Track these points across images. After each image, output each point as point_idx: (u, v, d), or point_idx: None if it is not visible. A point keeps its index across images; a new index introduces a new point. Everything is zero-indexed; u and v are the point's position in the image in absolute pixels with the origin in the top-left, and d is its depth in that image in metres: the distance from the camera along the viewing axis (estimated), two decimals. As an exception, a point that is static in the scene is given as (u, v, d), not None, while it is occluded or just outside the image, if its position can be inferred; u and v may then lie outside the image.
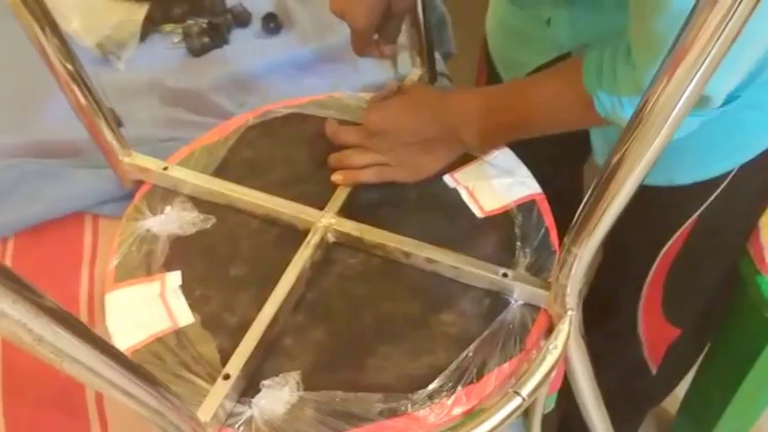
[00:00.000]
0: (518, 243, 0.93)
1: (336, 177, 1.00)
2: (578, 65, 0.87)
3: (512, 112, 0.96)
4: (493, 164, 1.03)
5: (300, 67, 1.30)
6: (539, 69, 1.06)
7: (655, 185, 1.04)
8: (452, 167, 1.03)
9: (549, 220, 0.96)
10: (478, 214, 0.97)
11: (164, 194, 1.00)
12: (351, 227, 0.93)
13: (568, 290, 0.80)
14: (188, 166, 1.02)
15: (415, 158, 1.01)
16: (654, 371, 1.35)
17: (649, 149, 0.63)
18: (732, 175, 1.02)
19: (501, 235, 0.95)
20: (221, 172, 1.03)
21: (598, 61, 0.84)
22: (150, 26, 1.38)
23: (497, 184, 1.00)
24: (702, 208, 1.07)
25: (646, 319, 1.26)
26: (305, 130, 1.09)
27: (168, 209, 0.98)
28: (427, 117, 0.99)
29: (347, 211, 0.96)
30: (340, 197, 0.97)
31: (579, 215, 0.72)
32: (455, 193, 1.00)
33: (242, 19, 1.39)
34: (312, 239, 0.91)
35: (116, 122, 0.99)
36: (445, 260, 0.89)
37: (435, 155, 1.01)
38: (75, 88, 0.92)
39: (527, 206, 0.98)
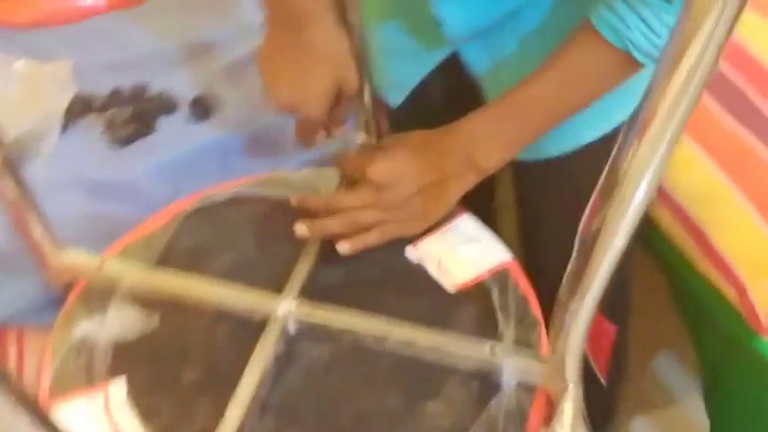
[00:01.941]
0: (498, 317, 0.86)
1: (343, 247, 0.92)
2: (585, 34, 0.88)
3: (537, 109, 0.93)
4: (455, 231, 0.96)
5: (235, 150, 1.21)
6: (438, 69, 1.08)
7: (561, 154, 1.06)
8: (413, 239, 0.95)
9: (525, 288, 0.89)
10: (451, 289, 0.89)
11: (100, 294, 0.89)
12: (314, 312, 0.84)
13: (567, 360, 0.72)
14: (125, 261, 0.92)
15: (425, 206, 0.93)
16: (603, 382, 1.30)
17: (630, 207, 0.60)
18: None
19: (479, 309, 0.87)
20: (163, 264, 0.93)
21: (613, 19, 0.84)
22: (71, 118, 1.28)
23: (465, 253, 0.93)
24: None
25: None
26: (249, 211, 1.01)
27: (106, 311, 0.88)
28: (437, 155, 0.92)
29: (307, 295, 0.87)
30: (297, 279, 0.88)
31: (569, 274, 0.66)
32: (421, 266, 0.92)
33: (168, 105, 1.30)
34: (272, 331, 0.82)
35: (45, 221, 0.89)
36: (424, 341, 0.81)
37: (446, 196, 0.94)
38: (4, 180, 0.82)
39: (501, 275, 0.90)
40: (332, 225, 0.92)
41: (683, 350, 1.47)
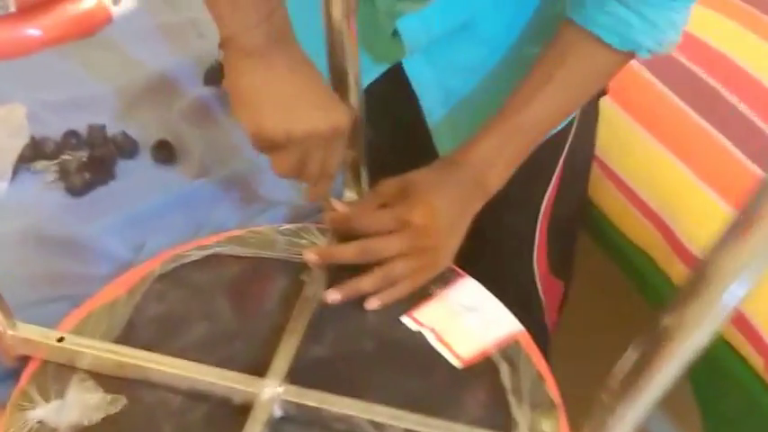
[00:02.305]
0: (510, 398, 0.76)
1: (374, 304, 0.85)
2: (577, 41, 0.88)
3: (541, 127, 0.92)
4: (456, 297, 0.87)
5: (204, 199, 1.11)
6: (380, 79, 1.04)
7: None
8: (411, 306, 0.85)
9: (539, 363, 0.80)
10: (456, 364, 0.80)
11: (57, 372, 0.78)
12: (304, 396, 0.74)
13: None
14: (85, 333, 0.81)
15: (447, 243, 0.88)
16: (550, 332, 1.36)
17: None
18: None
19: (488, 390, 0.78)
20: (128, 337, 0.82)
21: (612, 22, 0.85)
22: (21, 164, 1.15)
23: (469, 323, 0.83)
24: (569, 141, 1.11)
25: (542, 280, 1.25)
26: (225, 274, 0.90)
27: (65, 391, 0.77)
28: (456, 188, 0.89)
29: (295, 377, 0.76)
30: (283, 357, 0.77)
31: (621, 371, 0.57)
32: (420, 338, 0.82)
33: (127, 149, 1.18)
34: (256, 417, 0.72)
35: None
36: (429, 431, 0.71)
37: (460, 230, 0.89)
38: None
39: (511, 349, 0.81)
40: (366, 284, 0.85)
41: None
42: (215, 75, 1.30)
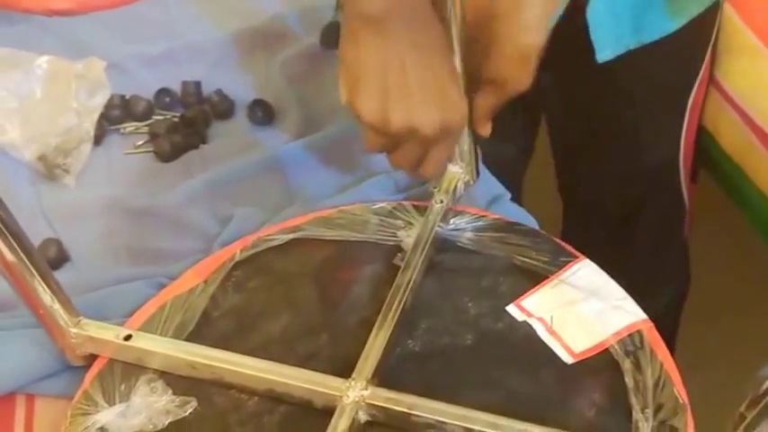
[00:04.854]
0: (633, 399, 0.65)
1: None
2: None
3: None
4: (570, 282, 0.75)
5: (299, 165, 1.01)
6: None
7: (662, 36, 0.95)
8: (517, 294, 0.75)
9: (665, 358, 0.68)
10: (567, 359, 0.69)
11: (124, 372, 0.72)
12: (392, 399, 0.65)
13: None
14: (156, 329, 0.74)
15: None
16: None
17: None
18: None
19: (606, 389, 0.66)
20: (202, 333, 0.75)
21: None
22: (107, 126, 1.08)
23: (585, 311, 0.72)
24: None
25: (687, 185, 1.20)
26: (310, 260, 0.82)
27: (131, 393, 0.70)
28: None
29: (383, 376, 0.67)
30: (371, 355, 0.68)
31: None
32: (527, 329, 0.72)
33: (222, 110, 1.09)
34: (339, 424, 0.63)
35: (57, 285, 0.71)
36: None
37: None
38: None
39: (633, 341, 0.69)
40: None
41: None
42: (332, 35, 1.14)
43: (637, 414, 0.64)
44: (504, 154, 0.95)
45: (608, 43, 0.92)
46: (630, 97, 1.03)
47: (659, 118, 1.07)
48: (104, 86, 1.09)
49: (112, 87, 1.10)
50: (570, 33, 0.91)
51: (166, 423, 0.67)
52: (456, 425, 0.62)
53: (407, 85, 0.71)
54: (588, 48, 0.94)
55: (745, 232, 1.26)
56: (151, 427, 0.67)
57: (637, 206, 1.17)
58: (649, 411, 0.64)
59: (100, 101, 1.08)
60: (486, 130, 0.81)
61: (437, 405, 0.64)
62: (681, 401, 0.65)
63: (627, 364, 0.67)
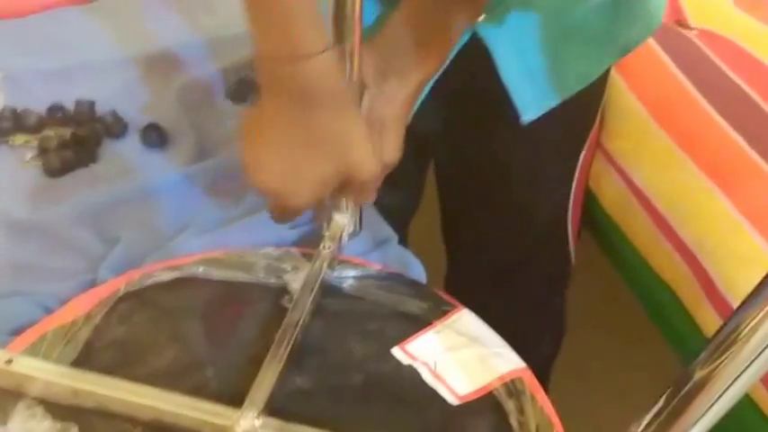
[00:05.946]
0: (518, 439, 0.67)
1: None
2: None
3: None
4: (452, 329, 0.78)
5: (191, 192, 1.00)
6: None
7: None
8: (403, 336, 0.77)
9: (545, 404, 0.71)
10: (453, 401, 0.71)
11: (1, 398, 0.68)
12: (285, 430, 0.65)
13: None
14: (38, 356, 0.71)
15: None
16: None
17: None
18: None
19: (490, 429, 0.68)
20: (84, 362, 0.72)
21: None
22: None
23: (467, 356, 0.75)
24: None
25: (574, 243, 1.23)
26: (197, 298, 0.81)
27: (8, 419, 0.66)
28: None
29: (273, 410, 0.67)
30: (262, 388, 0.68)
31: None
32: (412, 372, 0.73)
33: (115, 130, 1.08)
34: (229, 455, 0.62)
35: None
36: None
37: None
38: None
39: (515, 385, 0.72)
40: None
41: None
42: (241, 90, 1.18)
43: (521, 453, 0.66)
44: (392, 201, 0.95)
45: (531, 104, 0.91)
46: (524, 156, 1.05)
47: (550, 177, 1.11)
48: (-3, 96, 1.07)
49: (4, 99, 1.08)
50: (471, 94, 0.96)
51: (45, 451, 0.65)
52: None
53: (286, 145, 0.74)
54: (487, 107, 0.95)
55: (615, 288, 1.33)
56: (29, 454, 0.64)
57: (522, 263, 1.20)
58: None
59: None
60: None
61: (330, 436, 0.64)
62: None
63: (510, 406, 0.70)
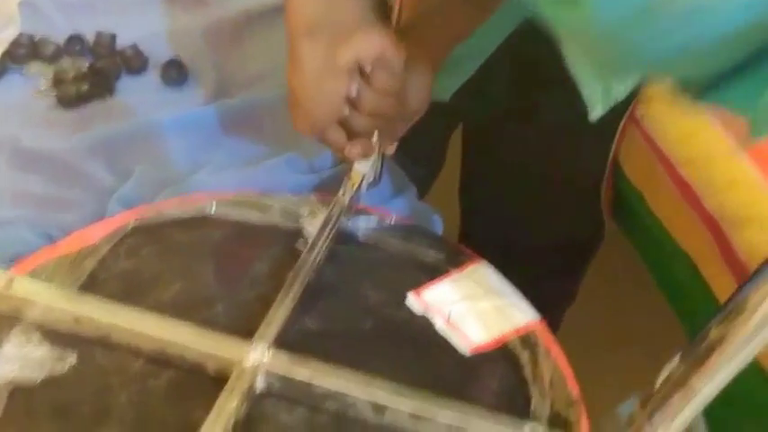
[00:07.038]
0: (531, 389, 0.64)
1: None
2: None
3: None
4: (469, 280, 0.75)
5: (208, 130, 0.97)
6: None
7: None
8: (417, 285, 0.74)
9: (558, 357, 0.68)
10: (464, 350, 0.68)
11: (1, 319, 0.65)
12: (295, 365, 0.62)
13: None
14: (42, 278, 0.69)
15: None
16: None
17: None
18: None
19: (503, 378, 0.65)
20: (88, 291, 0.69)
21: None
22: (9, 63, 1.02)
23: (483, 307, 0.71)
24: None
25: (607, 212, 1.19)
26: (209, 236, 0.78)
27: (3, 341, 0.63)
28: None
29: (284, 345, 0.64)
30: (274, 322, 0.65)
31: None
32: (426, 320, 0.70)
33: (134, 64, 1.05)
34: (236, 387, 0.59)
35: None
36: (441, 416, 0.59)
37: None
38: None
39: (528, 338, 0.69)
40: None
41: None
42: None
43: (534, 403, 0.63)
44: (411, 174, 0.93)
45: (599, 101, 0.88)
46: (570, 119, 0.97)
47: (591, 143, 1.08)
48: (14, 22, 1.04)
49: (22, 25, 1.05)
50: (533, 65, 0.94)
51: (42, 377, 0.61)
52: (359, 396, 0.60)
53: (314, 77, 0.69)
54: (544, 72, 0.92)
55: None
56: (25, 379, 0.61)
57: (551, 233, 1.17)
58: (546, 402, 0.63)
59: (7, 36, 1.03)
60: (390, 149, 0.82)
61: (342, 373, 0.61)
62: (573, 397, 0.64)
63: (525, 358, 0.67)
